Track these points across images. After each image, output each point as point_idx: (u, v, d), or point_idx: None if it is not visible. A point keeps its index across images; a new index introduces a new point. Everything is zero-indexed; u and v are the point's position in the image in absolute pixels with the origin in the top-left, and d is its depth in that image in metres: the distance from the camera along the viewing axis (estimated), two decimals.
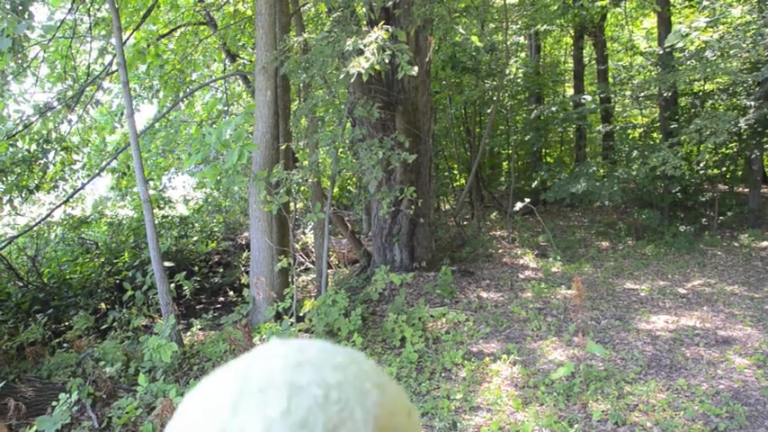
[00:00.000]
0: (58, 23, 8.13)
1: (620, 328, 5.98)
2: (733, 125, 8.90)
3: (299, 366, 0.46)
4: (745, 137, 10.44)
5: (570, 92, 15.74)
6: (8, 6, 4.98)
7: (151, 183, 11.18)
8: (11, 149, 7.83)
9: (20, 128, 7.97)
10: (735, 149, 10.96)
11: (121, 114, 9.59)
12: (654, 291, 7.27)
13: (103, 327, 6.85)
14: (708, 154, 10.28)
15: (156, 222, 7.67)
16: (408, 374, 5.04)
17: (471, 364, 5.13)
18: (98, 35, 8.97)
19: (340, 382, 0.45)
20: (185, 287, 6.97)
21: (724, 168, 11.27)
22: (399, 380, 4.90)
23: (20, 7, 5.08)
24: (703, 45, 7.84)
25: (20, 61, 7.10)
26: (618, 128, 13.03)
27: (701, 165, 10.63)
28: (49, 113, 8.23)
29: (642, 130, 13.12)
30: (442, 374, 5.05)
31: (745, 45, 8.02)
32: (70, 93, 8.54)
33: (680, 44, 5.09)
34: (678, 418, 3.95)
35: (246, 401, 0.43)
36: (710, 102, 11.07)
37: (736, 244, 9.40)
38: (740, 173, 11.58)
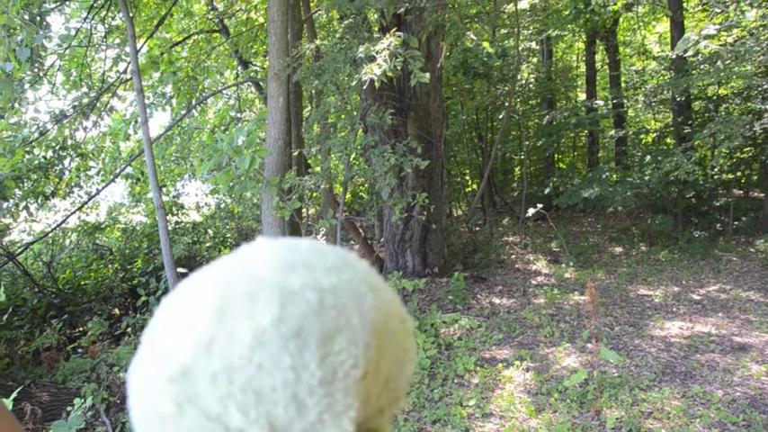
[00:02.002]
0: (74, 32, 8.23)
1: (634, 334, 5.93)
2: (747, 129, 8.82)
3: (291, 268, 0.42)
4: (760, 141, 10.35)
5: (582, 97, 15.68)
6: (27, 17, 5.06)
7: (164, 189, 11.27)
8: (27, 156, 7.91)
9: (36, 135, 8.06)
10: (750, 154, 10.86)
11: (135, 121, 9.68)
12: (668, 297, 7.21)
13: (117, 332, 6.90)
14: (722, 159, 10.20)
15: (170, 228, 7.72)
16: (421, 381, 5.03)
17: (484, 370, 5.11)
18: (112, 43, 9.07)
19: (335, 286, 0.42)
20: None
21: (739, 173, 11.17)
22: (412, 386, 4.89)
23: (38, 18, 5.15)
24: (716, 50, 7.80)
25: (36, 70, 7.19)
26: (631, 133, 12.96)
27: (716, 169, 10.55)
28: (64, 120, 8.33)
29: (655, 134, 13.04)
30: (455, 381, 5.03)
31: (759, 49, 7.95)
32: (85, 100, 8.64)
33: (690, 52, 5.06)
34: (693, 426, 3.92)
35: (233, 308, 0.40)
36: (724, 106, 10.98)
37: (751, 249, 9.30)
38: (755, 177, 11.47)
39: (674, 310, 6.71)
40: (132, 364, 0.44)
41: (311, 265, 0.43)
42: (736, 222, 10.51)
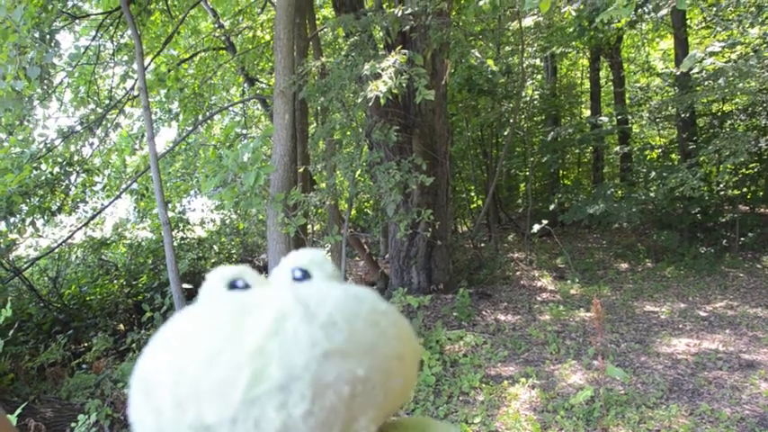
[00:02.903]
0: (83, 50, 8.33)
1: (641, 351, 5.89)
2: (753, 145, 8.82)
3: (326, 357, 0.41)
4: (765, 157, 10.33)
5: (587, 113, 15.71)
6: (37, 35, 5.12)
7: (170, 205, 11.31)
8: (35, 172, 7.97)
9: (43, 151, 8.12)
10: (755, 170, 10.84)
11: (142, 137, 9.75)
12: (674, 313, 7.17)
13: (122, 348, 6.89)
14: (727, 174, 10.18)
15: (175, 244, 7.74)
16: (426, 398, 5.00)
17: (489, 387, 5.08)
18: (120, 60, 9.17)
19: (368, 371, 0.42)
20: None
21: (744, 189, 11.14)
22: (417, 403, 4.86)
23: (47, 36, 5.21)
24: (720, 67, 7.83)
25: (45, 87, 7.26)
26: (636, 149, 12.97)
27: (721, 185, 10.53)
28: (71, 137, 8.40)
29: (660, 150, 13.04)
30: (460, 398, 5.00)
31: (761, 66, 7.98)
32: (92, 117, 8.71)
33: (696, 69, 5.09)
34: None
35: (264, 395, 0.39)
36: (729, 122, 10.98)
37: (758, 265, 9.25)
38: (761, 193, 11.43)
39: (681, 326, 6.67)
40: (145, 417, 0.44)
41: (348, 353, 0.42)
42: (742, 238, 10.46)
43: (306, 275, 0.59)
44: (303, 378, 0.40)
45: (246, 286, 0.55)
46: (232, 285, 0.55)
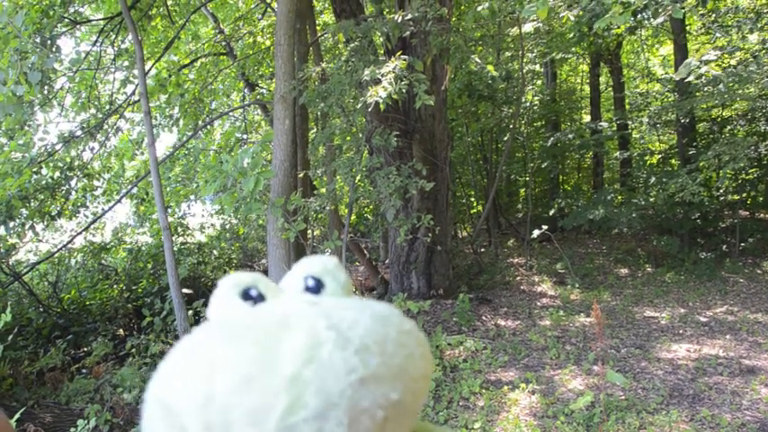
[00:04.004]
0: (84, 55, 8.35)
1: (641, 356, 5.89)
2: (752, 151, 8.83)
3: (362, 383, 0.41)
4: (765, 162, 10.34)
5: (587, 119, 15.73)
6: (38, 41, 5.14)
7: (170, 210, 11.31)
8: (35, 177, 7.97)
9: (44, 156, 8.13)
10: (755, 175, 10.85)
11: (142, 141, 9.77)
12: (674, 319, 7.17)
13: (122, 353, 6.88)
14: (727, 180, 10.19)
15: (175, 249, 7.74)
16: (426, 403, 4.99)
17: (489, 392, 5.07)
18: (121, 66, 9.19)
19: (402, 395, 0.43)
20: (203, 314, 6.99)
21: (744, 194, 11.15)
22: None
23: (49, 41, 5.23)
24: (720, 71, 7.86)
25: (46, 92, 7.28)
26: (635, 154, 12.98)
27: (721, 191, 10.53)
28: (72, 142, 8.41)
29: (660, 156, 13.06)
30: (460, 403, 4.99)
31: (760, 72, 8.00)
32: (93, 122, 8.73)
33: (691, 76, 5.11)
34: None
35: (301, 423, 0.39)
36: (729, 127, 11.00)
37: (758, 271, 9.25)
38: (761, 198, 11.44)
39: (681, 332, 6.66)
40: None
41: (382, 378, 0.42)
42: (742, 244, 10.47)
43: (318, 284, 0.58)
44: (340, 405, 0.40)
45: (260, 295, 0.55)
46: (245, 294, 0.55)
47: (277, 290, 0.58)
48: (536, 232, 9.63)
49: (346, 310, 0.46)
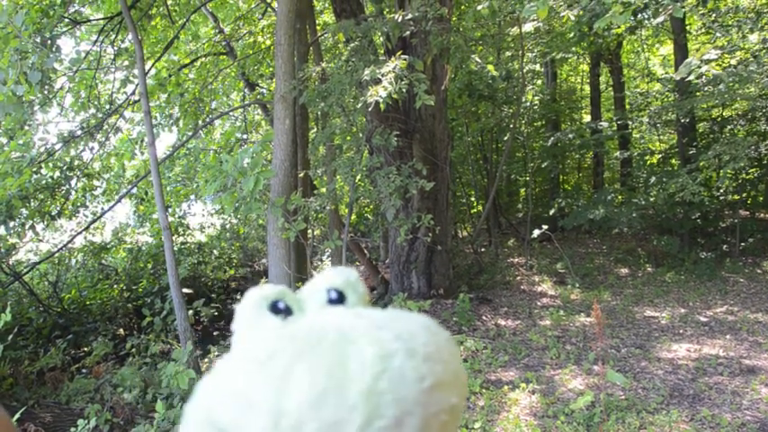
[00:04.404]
0: (84, 55, 8.34)
1: (641, 356, 5.89)
2: (752, 150, 8.83)
3: (432, 389, 0.43)
4: (765, 162, 10.34)
5: (587, 118, 15.73)
6: (38, 40, 5.14)
7: (170, 209, 11.31)
8: (35, 176, 7.98)
9: (44, 156, 8.13)
10: (755, 175, 10.84)
11: (141, 141, 9.76)
12: (675, 318, 7.17)
13: (122, 353, 6.89)
14: (727, 180, 10.19)
15: (175, 249, 7.75)
16: None
17: (490, 392, 5.07)
18: (121, 65, 9.18)
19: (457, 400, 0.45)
20: (203, 314, 6.99)
21: (744, 194, 11.14)
22: None
23: (49, 41, 5.23)
24: (720, 72, 7.85)
25: (46, 91, 7.28)
26: (636, 154, 12.98)
27: (721, 190, 10.53)
28: (72, 141, 8.41)
29: (660, 156, 13.06)
30: None
31: (761, 72, 7.99)
32: (93, 121, 8.72)
33: (692, 76, 5.10)
34: None
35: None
36: (729, 127, 11.00)
37: (758, 271, 9.25)
38: (761, 198, 11.44)
39: (681, 331, 6.66)
40: None
41: (446, 383, 0.44)
42: (742, 243, 10.47)
43: (341, 296, 0.59)
44: (414, 413, 0.41)
45: (287, 308, 0.55)
46: (274, 307, 0.55)
47: (301, 302, 0.58)
48: (536, 232, 9.63)
49: (398, 321, 0.47)
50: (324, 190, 6.99)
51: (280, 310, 0.54)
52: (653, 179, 10.52)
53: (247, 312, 0.55)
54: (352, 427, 0.39)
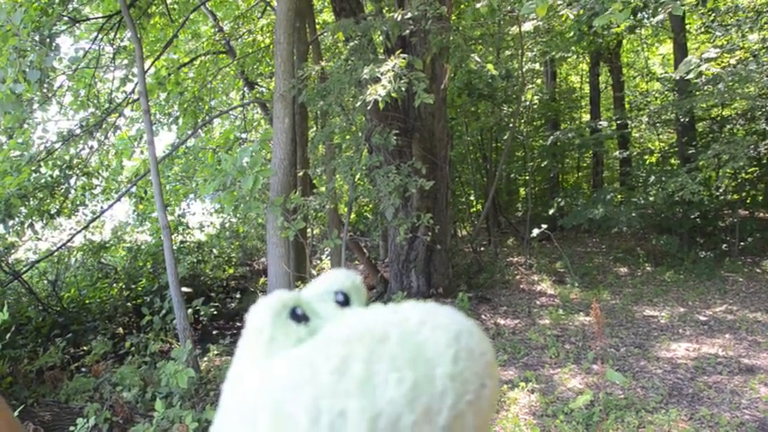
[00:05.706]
0: (83, 53, 8.34)
1: (640, 355, 5.89)
2: (752, 150, 8.83)
3: (492, 365, 0.46)
4: (765, 161, 10.33)
5: (587, 118, 15.74)
6: (37, 38, 5.13)
7: (169, 208, 11.30)
8: (34, 175, 7.97)
9: (43, 154, 8.13)
10: (755, 174, 10.84)
11: (140, 139, 9.75)
12: (674, 318, 7.17)
13: (121, 351, 6.88)
14: (727, 179, 10.19)
15: (174, 248, 7.74)
16: None
17: None
18: (120, 64, 9.18)
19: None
20: (202, 312, 6.99)
21: (744, 193, 11.14)
22: None
23: (47, 39, 5.22)
24: (718, 72, 7.85)
25: (45, 90, 7.27)
26: (635, 153, 12.98)
27: (721, 190, 10.53)
28: (71, 140, 8.40)
29: (660, 155, 13.06)
30: None
31: (761, 71, 7.99)
32: (92, 120, 8.72)
33: (691, 75, 5.10)
34: None
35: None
36: (729, 127, 10.99)
37: (758, 270, 9.25)
38: (761, 198, 11.43)
39: (681, 331, 6.66)
40: None
41: (493, 360, 0.48)
42: (742, 243, 10.46)
43: (346, 299, 0.58)
44: (487, 385, 0.45)
45: (304, 314, 0.54)
46: (293, 314, 0.54)
47: (312, 306, 0.57)
48: (536, 231, 9.63)
49: (433, 308, 0.50)
50: (323, 189, 6.99)
51: (299, 316, 0.53)
52: (652, 178, 10.51)
53: (268, 322, 0.52)
54: (444, 408, 0.42)
